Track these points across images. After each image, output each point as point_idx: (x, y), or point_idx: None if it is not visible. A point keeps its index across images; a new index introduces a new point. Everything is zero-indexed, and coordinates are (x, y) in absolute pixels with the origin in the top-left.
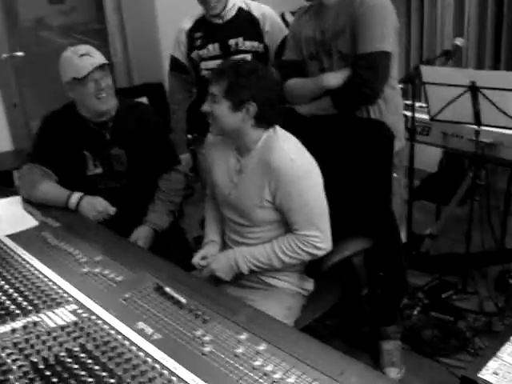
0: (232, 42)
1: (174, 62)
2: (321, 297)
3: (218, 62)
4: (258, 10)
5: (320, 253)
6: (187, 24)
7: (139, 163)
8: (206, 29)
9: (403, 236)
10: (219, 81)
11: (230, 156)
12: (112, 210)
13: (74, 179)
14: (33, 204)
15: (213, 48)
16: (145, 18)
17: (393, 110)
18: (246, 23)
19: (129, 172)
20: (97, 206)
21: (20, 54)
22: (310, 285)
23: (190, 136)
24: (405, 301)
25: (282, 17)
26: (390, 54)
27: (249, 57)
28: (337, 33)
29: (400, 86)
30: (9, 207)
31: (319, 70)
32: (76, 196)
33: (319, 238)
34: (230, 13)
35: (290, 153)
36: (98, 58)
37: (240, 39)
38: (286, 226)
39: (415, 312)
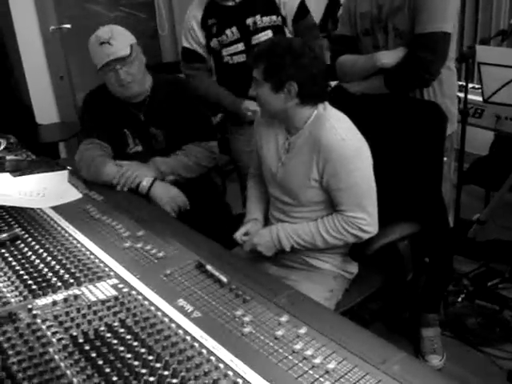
0: (249, 21)
1: (188, 52)
2: (364, 280)
3: (240, 44)
4: None
5: (365, 235)
6: (198, 12)
7: (177, 141)
8: (219, 14)
9: (450, 221)
10: (257, 64)
11: (278, 134)
12: (186, 203)
13: (116, 156)
14: (78, 176)
15: (231, 32)
16: None
17: (447, 92)
18: None
19: (168, 150)
20: (171, 192)
21: (67, 26)
22: (353, 268)
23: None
24: (449, 287)
25: None
26: (450, 36)
27: (269, 33)
28: (395, 9)
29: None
30: (55, 180)
31: (373, 48)
32: (147, 180)
33: (366, 220)
34: None
35: (340, 131)
36: (118, 48)
37: (257, 17)
38: (332, 207)
39: (459, 299)
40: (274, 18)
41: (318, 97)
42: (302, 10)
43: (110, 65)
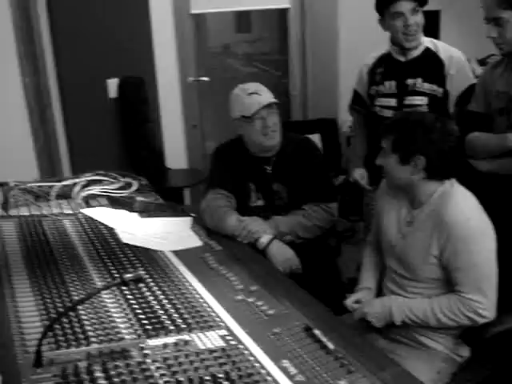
0: (410, 81)
1: (355, 95)
2: (474, 366)
3: (393, 100)
4: (446, 51)
5: (481, 320)
6: (370, 60)
7: (299, 200)
8: (387, 65)
9: None
10: (387, 134)
11: (401, 206)
12: (299, 266)
13: (238, 208)
14: (200, 224)
15: (389, 85)
16: (327, 54)
17: None
18: (430, 64)
19: (288, 208)
20: (287, 253)
21: (205, 78)
22: (465, 351)
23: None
24: None
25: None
26: None
27: (425, 99)
28: None
29: None
30: (178, 225)
31: (507, 128)
32: (266, 238)
33: (483, 304)
34: (416, 52)
35: (466, 210)
36: (266, 97)
37: (419, 80)
38: (449, 286)
39: None
40: (435, 86)
41: (445, 173)
42: (470, 94)
43: (259, 112)
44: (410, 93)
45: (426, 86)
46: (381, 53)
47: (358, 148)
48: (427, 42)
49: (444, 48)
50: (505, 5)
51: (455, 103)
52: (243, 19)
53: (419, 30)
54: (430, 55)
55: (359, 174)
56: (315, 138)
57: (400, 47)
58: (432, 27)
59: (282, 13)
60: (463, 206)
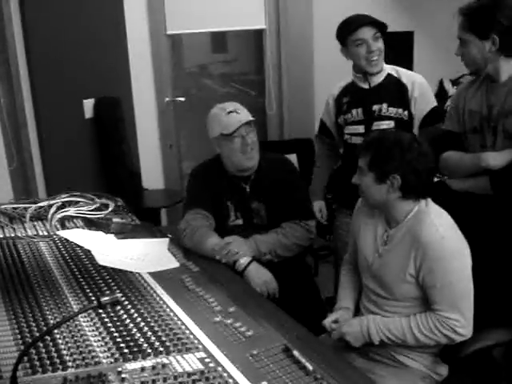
0: (375, 107)
1: (322, 125)
2: None
3: (361, 127)
4: (408, 76)
5: (458, 338)
6: (336, 90)
7: (277, 218)
8: (352, 94)
9: None
10: (364, 153)
11: (378, 225)
12: (277, 290)
13: (217, 228)
14: (177, 245)
15: (356, 113)
16: (303, 75)
17: None
18: (393, 90)
19: (268, 226)
20: (265, 276)
21: (182, 99)
22: (443, 370)
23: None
24: None
25: (441, 83)
26: None
27: (392, 123)
28: (506, 112)
29: None
30: (155, 246)
31: (480, 147)
32: (245, 259)
33: (460, 322)
34: (378, 78)
35: (440, 229)
36: (245, 115)
37: (384, 105)
38: (426, 304)
39: None
40: (400, 110)
41: (420, 192)
42: (433, 117)
43: (239, 130)
44: (377, 118)
45: (392, 111)
46: (346, 82)
47: (319, 179)
48: (389, 68)
49: (406, 73)
50: (466, 28)
51: (419, 126)
52: (219, 40)
53: (381, 55)
54: (392, 80)
55: (318, 207)
56: (292, 157)
57: (363, 74)
58: (406, 48)
59: (258, 33)
60: (438, 225)
